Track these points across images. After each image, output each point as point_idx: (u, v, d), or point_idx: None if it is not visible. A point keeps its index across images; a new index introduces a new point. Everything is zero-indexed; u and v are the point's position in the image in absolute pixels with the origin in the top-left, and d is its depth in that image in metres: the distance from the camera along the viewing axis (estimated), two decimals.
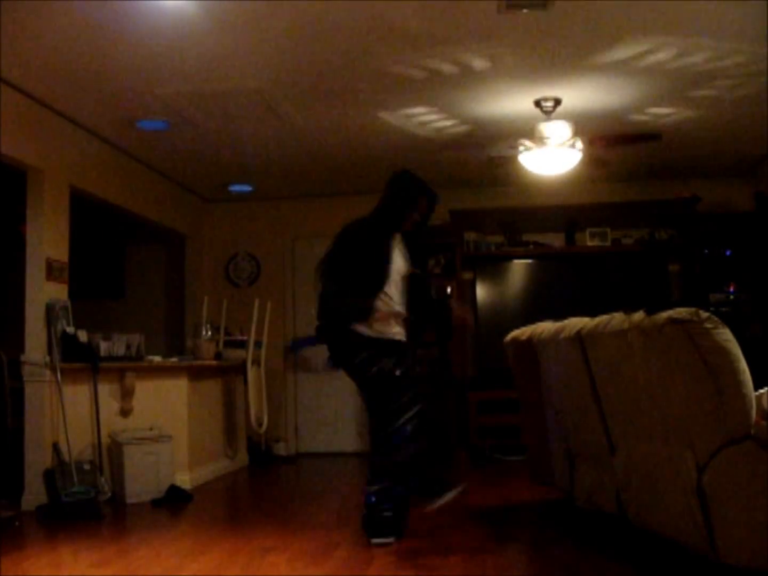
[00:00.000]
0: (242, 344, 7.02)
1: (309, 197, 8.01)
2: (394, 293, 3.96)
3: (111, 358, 5.54)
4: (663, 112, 5.64)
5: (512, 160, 5.66)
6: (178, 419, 5.83)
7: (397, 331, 3.98)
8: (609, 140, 5.52)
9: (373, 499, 3.80)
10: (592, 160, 5.69)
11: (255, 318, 6.96)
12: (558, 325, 4.02)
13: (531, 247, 7.62)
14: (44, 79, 4.80)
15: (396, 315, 3.96)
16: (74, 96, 5.10)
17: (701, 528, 2.83)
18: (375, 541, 3.77)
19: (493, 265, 7.60)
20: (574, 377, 3.83)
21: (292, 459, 7.64)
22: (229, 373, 6.91)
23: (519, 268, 7.61)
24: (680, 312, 2.88)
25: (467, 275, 7.67)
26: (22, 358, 5.15)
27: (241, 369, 6.97)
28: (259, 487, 6.42)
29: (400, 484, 3.81)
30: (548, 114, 5.32)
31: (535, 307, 7.06)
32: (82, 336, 5.36)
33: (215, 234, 8.19)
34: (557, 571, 3.38)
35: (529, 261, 7.59)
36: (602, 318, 3.53)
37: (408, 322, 4.04)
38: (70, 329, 5.27)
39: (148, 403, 5.71)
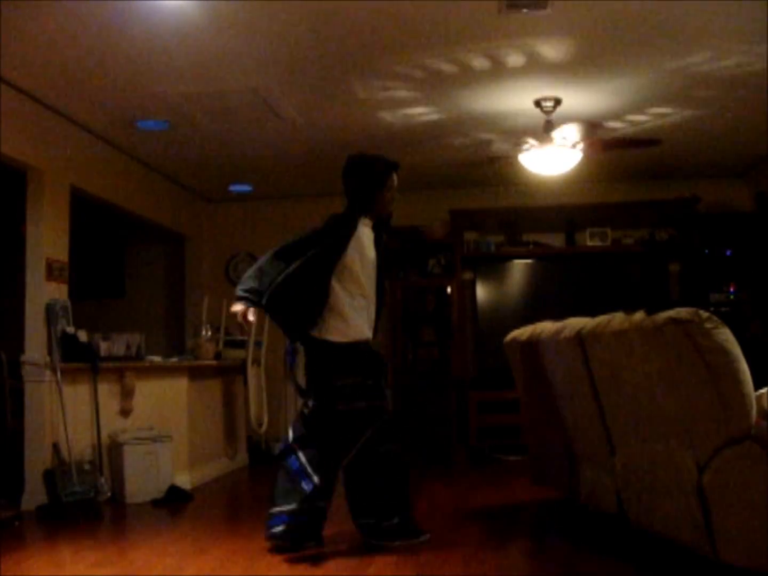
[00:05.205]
0: (242, 344, 7.01)
1: (309, 197, 8.01)
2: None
3: (111, 358, 5.54)
4: (663, 112, 5.64)
5: (513, 159, 5.66)
6: (178, 419, 5.83)
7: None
8: (608, 144, 5.52)
9: None
10: (590, 159, 5.70)
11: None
12: (558, 325, 4.02)
13: (531, 247, 7.61)
14: (44, 79, 4.80)
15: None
16: (74, 96, 5.10)
17: (701, 528, 2.83)
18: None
19: (493, 265, 7.60)
20: (574, 377, 3.82)
21: None
22: (229, 373, 6.90)
23: (519, 268, 7.61)
24: (680, 312, 2.88)
25: (467, 275, 7.68)
26: (22, 358, 5.14)
27: (241, 369, 6.96)
28: (259, 487, 6.41)
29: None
30: (548, 114, 5.32)
31: (535, 307, 7.06)
32: (82, 336, 5.35)
33: (215, 234, 8.18)
34: (557, 571, 3.38)
35: (529, 261, 7.59)
36: (602, 318, 3.53)
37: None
38: (70, 329, 5.26)
39: (148, 403, 5.71)
